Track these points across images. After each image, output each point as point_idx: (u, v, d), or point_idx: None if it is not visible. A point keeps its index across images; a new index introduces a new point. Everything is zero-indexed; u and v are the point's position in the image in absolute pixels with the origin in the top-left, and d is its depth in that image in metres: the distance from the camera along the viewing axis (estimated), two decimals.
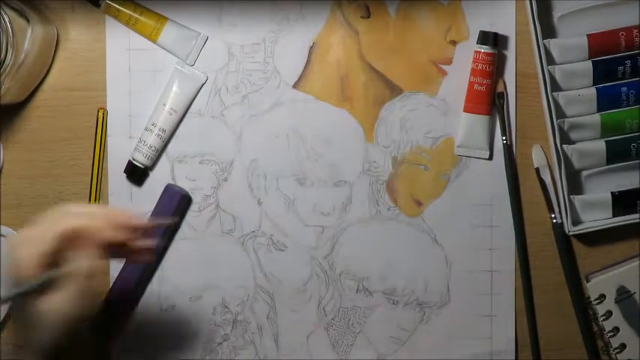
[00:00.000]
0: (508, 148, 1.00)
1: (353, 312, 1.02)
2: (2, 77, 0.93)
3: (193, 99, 1.01)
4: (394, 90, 1.01)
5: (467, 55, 1.00)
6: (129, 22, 1.00)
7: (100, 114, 1.01)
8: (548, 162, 1.00)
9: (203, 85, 1.01)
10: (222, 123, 1.02)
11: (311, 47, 1.01)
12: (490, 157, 1.01)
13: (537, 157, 1.00)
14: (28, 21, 0.96)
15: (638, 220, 0.98)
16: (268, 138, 1.01)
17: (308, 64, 1.01)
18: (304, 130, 1.00)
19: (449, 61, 1.01)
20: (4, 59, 0.93)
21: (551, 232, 1.00)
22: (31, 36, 0.96)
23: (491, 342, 1.02)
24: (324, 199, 1.01)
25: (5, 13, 0.93)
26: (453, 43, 1.01)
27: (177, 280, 1.02)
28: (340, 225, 1.02)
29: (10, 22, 0.93)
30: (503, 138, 1.00)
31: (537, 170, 1.00)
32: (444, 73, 1.01)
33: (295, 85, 1.02)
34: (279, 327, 1.02)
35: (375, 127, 1.01)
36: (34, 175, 1.02)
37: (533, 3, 0.97)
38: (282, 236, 1.02)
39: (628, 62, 0.98)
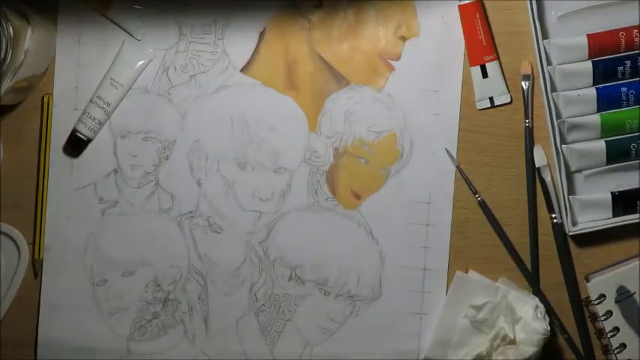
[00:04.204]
0: (530, 132, 0.99)
1: (284, 299, 1.02)
2: (2, 77, 0.94)
3: (139, 74, 1.01)
4: (341, 82, 1.01)
5: (416, 51, 1.00)
6: None
7: (46, 99, 1.01)
8: (548, 162, 1.00)
9: (150, 61, 1.01)
10: (168, 102, 1.02)
11: (261, 32, 1.01)
12: (511, 101, 1.00)
13: (538, 157, 1.00)
14: (28, 21, 0.96)
15: (638, 220, 0.97)
16: (212, 120, 1.01)
17: (257, 49, 1.01)
18: (249, 115, 1.00)
19: (397, 57, 1.01)
20: (4, 59, 0.93)
21: (551, 232, 1.00)
22: (31, 36, 0.96)
23: (419, 340, 1.01)
24: (263, 185, 1.01)
25: (5, 13, 0.93)
26: (403, 39, 1.01)
27: (111, 255, 1.02)
28: (277, 212, 1.01)
29: (10, 22, 0.93)
30: (527, 121, 0.99)
31: (538, 170, 1.00)
32: (392, 69, 1.01)
33: (243, 69, 1.01)
34: (210, 309, 1.02)
35: (319, 117, 1.01)
36: (34, 176, 1.02)
37: (533, 3, 0.97)
38: (219, 219, 1.02)
39: (628, 62, 0.98)
